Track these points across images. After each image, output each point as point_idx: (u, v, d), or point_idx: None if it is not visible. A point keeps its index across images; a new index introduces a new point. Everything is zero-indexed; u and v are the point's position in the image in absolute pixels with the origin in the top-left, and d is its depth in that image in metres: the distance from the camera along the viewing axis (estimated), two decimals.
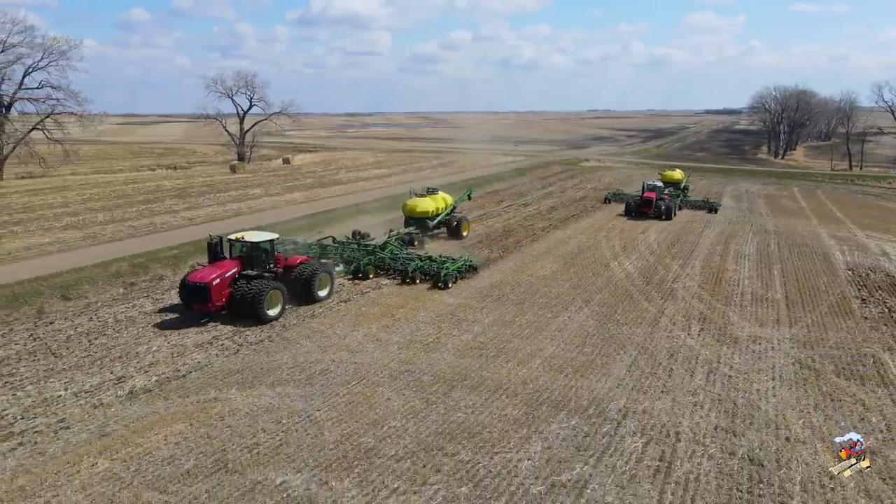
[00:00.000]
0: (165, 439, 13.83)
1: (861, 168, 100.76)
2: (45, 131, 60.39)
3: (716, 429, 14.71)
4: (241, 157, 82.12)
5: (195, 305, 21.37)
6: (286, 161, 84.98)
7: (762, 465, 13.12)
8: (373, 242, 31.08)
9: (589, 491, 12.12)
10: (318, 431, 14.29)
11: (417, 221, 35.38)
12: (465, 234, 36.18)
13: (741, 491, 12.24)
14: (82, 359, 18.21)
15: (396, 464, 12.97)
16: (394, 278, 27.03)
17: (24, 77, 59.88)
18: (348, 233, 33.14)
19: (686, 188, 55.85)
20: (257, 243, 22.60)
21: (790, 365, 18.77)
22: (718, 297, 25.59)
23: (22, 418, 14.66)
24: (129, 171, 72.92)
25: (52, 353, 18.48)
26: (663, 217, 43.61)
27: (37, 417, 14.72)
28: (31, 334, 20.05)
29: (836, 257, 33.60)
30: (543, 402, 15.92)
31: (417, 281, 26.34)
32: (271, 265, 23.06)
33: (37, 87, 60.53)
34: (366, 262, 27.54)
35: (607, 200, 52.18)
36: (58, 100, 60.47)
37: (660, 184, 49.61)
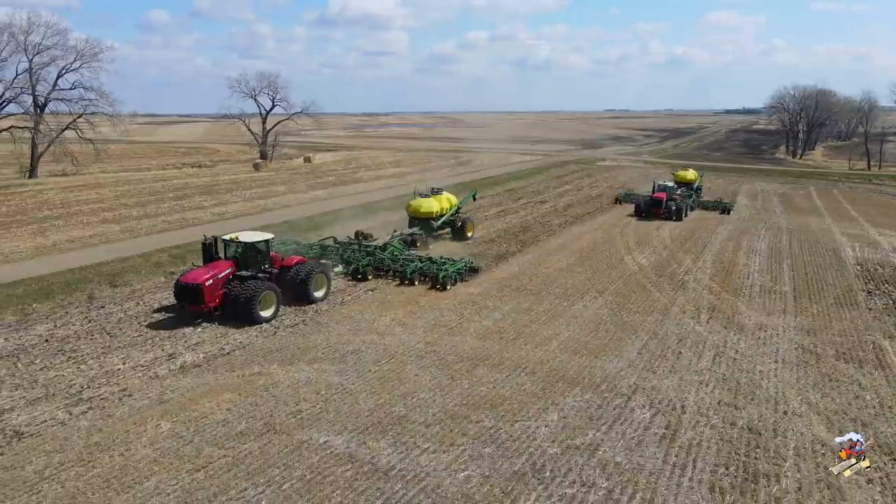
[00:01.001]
0: (218, 406, 15.37)
1: (880, 167, 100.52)
2: (78, 131, 62.57)
3: (719, 403, 15.96)
4: (263, 156, 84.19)
5: (188, 306, 21.30)
6: (307, 160, 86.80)
7: (760, 434, 14.38)
8: (375, 243, 30.88)
9: (600, 452, 13.46)
10: (354, 401, 15.76)
11: (421, 222, 35.10)
12: (470, 234, 35.98)
13: (739, 454, 13.50)
14: (135, 338, 19.85)
15: (426, 428, 14.39)
16: (393, 279, 26.88)
17: (57, 78, 62.06)
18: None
19: (699, 188, 55.52)
20: (252, 243, 22.44)
21: (793, 350, 19.93)
22: (728, 289, 26.70)
23: (88, 387, 16.28)
24: (156, 170, 75.16)
25: (108, 333, 20.14)
26: (674, 218, 43.32)
27: (101, 387, 16.34)
28: (86, 316, 21.76)
29: (847, 253, 34.49)
30: (559, 379, 17.27)
31: (416, 283, 26.09)
32: (266, 266, 22.85)
33: (70, 88, 62.75)
34: (365, 262, 27.49)
35: (618, 201, 51.80)
36: (90, 100, 62.69)
37: (671, 184, 49.30)
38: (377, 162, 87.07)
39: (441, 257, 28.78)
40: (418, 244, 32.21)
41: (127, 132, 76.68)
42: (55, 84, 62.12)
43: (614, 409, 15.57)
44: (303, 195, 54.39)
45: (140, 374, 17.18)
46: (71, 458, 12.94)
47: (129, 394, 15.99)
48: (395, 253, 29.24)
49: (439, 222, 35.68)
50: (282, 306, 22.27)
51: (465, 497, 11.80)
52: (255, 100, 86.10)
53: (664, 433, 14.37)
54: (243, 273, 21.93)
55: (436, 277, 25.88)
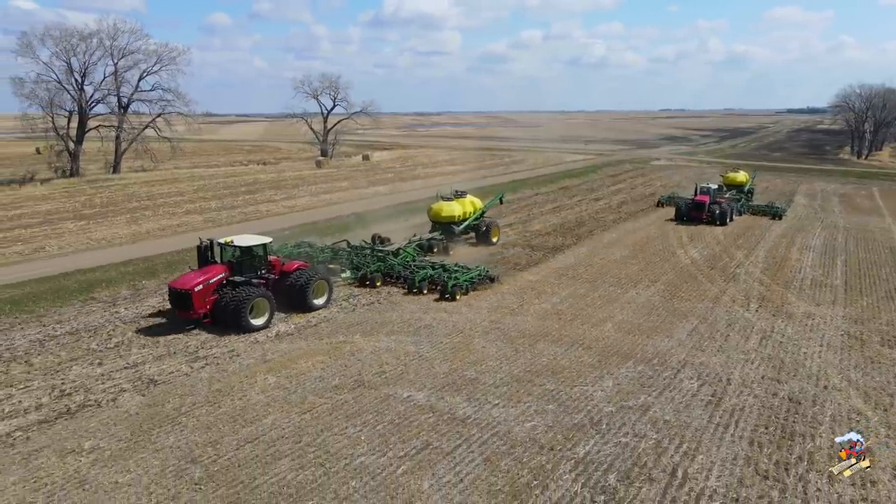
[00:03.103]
0: (313, 365, 17.75)
1: None
2: (156, 129, 67.16)
3: (762, 378, 17.39)
4: (323, 154, 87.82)
5: (178, 312, 20.53)
6: (365, 158, 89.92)
7: (799, 403, 15.79)
8: (388, 248, 29.69)
9: (651, 412, 15.17)
10: (430, 366, 17.89)
11: (443, 226, 33.29)
12: (495, 239, 34.37)
13: (778, 418, 14.98)
14: None
15: (495, 389, 16.39)
16: (402, 287, 25.48)
17: (139, 80, 66.74)
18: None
19: (751, 191, 52.54)
20: (248, 248, 21.56)
21: (839, 336, 21.03)
22: (779, 282, 27.68)
23: (202, 348, 18.95)
24: (225, 166, 79.59)
25: None
26: (717, 222, 40.67)
27: (212, 348, 18.98)
28: None
29: None
30: (614, 354, 18.98)
31: (425, 291, 24.80)
32: (263, 271, 22.02)
33: (150, 90, 67.33)
34: (373, 269, 26.27)
35: (660, 204, 49.07)
36: (168, 101, 67.18)
37: (714, 186, 45.68)
38: (433, 160, 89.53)
39: (456, 264, 27.29)
40: (435, 249, 31.01)
41: (199, 130, 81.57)
42: (137, 86, 66.80)
43: (664, 379, 17.20)
44: (364, 190, 57.25)
45: (243, 340, 19.76)
46: (199, 400, 15.49)
47: (237, 354, 18.57)
48: (408, 259, 28.05)
49: (462, 227, 33.70)
50: (291, 312, 21.98)
51: (532, 441, 13.73)
52: (317, 100, 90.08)
53: (710, 399, 15.95)
54: (237, 279, 20.98)
55: (445, 286, 24.53)
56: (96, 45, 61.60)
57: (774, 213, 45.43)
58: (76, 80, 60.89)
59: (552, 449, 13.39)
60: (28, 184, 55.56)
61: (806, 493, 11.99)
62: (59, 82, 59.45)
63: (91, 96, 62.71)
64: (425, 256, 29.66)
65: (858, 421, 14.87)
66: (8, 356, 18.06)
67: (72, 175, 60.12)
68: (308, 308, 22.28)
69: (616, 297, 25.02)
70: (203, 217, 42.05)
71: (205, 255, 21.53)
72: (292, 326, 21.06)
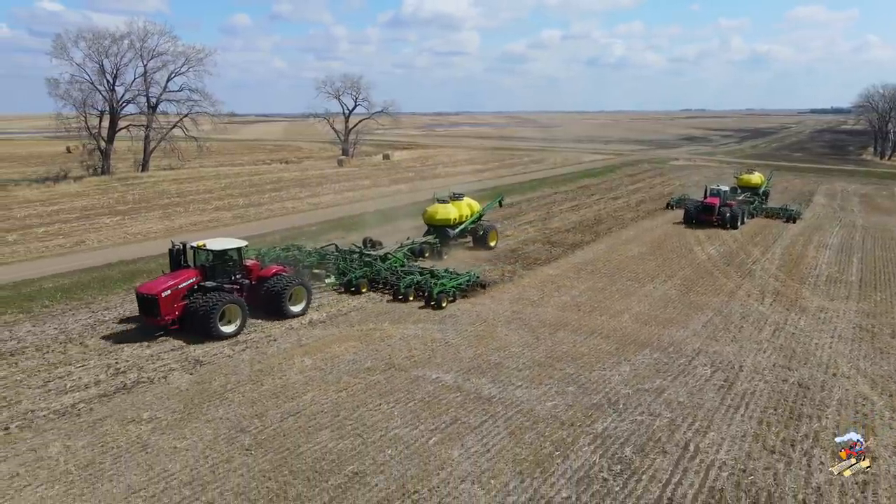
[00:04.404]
0: (345, 349, 18.89)
1: None
2: (183, 128, 68.96)
3: (774, 365, 18.20)
4: (344, 153, 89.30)
5: (145, 318, 19.79)
6: (386, 157, 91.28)
7: (808, 388, 16.59)
8: (376, 253, 28.70)
9: (666, 394, 16.09)
10: (456, 351, 18.94)
11: (437, 230, 32.15)
12: (493, 243, 33.18)
13: (787, 401, 15.81)
14: None
15: (518, 372, 17.40)
16: (388, 293, 24.68)
17: (167, 81, 68.61)
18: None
19: (766, 193, 50.84)
20: (221, 251, 20.83)
21: (850, 328, 21.71)
22: (794, 278, 28.33)
23: (241, 333, 20.15)
24: (249, 165, 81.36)
25: None
26: (728, 226, 39.42)
27: (251, 333, 20.19)
28: None
29: None
30: (631, 343, 19.89)
31: (411, 298, 23.84)
32: (238, 276, 21.30)
33: (178, 90, 69.14)
34: (358, 274, 25.44)
35: (670, 206, 47.67)
36: (195, 101, 68.96)
37: (725, 187, 44.21)
38: (453, 159, 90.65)
39: (445, 270, 26.32)
40: (427, 254, 30.16)
41: (225, 129, 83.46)
42: (165, 86, 68.63)
43: (679, 365, 18.09)
44: (386, 188, 58.50)
45: (278, 326, 20.96)
46: (243, 379, 16.69)
47: (275, 339, 19.77)
48: (395, 264, 27.13)
49: (457, 230, 32.58)
50: (267, 318, 21.34)
51: (553, 418, 14.73)
52: (339, 100, 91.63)
53: (722, 384, 16.81)
54: (209, 284, 20.30)
55: (430, 293, 23.53)
56: (127, 47, 63.55)
57: (789, 217, 43.76)
58: (108, 81, 62.81)
59: (572, 425, 14.38)
60: (62, 181, 57.58)
61: (810, 466, 12.86)
62: (92, 83, 61.42)
63: (122, 97, 64.64)
64: (416, 261, 28.85)
65: (864, 405, 15.65)
66: (63, 338, 19.45)
67: (103, 173, 62.07)
68: (284, 315, 21.43)
69: (633, 290, 25.88)
70: (232, 213, 43.51)
71: (177, 258, 20.73)
72: (324, 315, 22.23)
